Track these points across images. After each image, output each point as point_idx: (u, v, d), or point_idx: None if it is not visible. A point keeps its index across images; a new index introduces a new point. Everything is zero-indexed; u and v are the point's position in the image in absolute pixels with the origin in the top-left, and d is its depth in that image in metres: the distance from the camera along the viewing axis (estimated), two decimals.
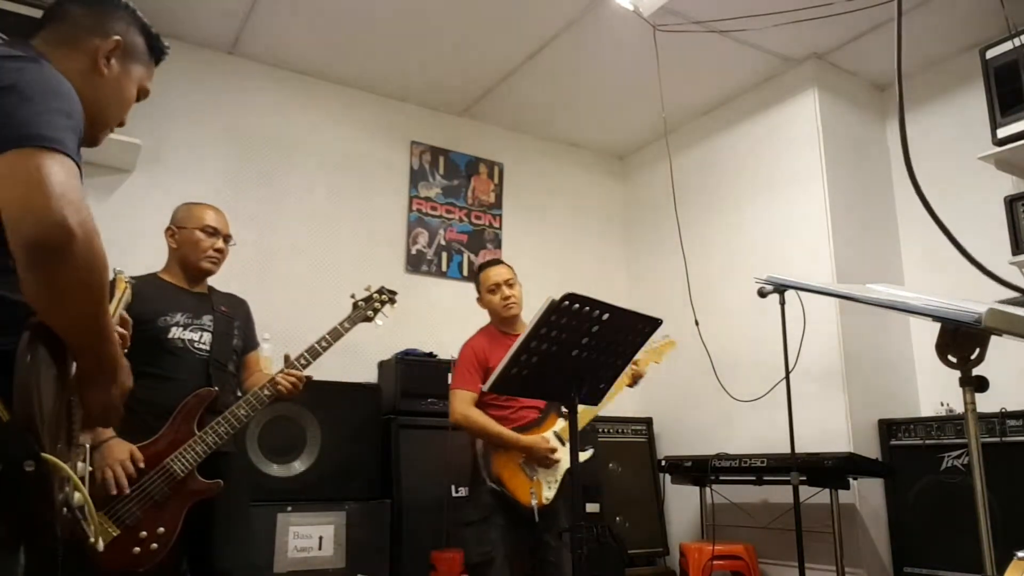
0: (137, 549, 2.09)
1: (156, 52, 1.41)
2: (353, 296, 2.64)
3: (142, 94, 1.39)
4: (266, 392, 2.32)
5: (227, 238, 2.52)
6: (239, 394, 2.42)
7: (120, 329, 1.43)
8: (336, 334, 2.48)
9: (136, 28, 1.36)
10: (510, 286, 2.98)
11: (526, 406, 2.83)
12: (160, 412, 2.23)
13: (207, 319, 2.42)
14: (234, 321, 2.51)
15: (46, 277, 0.99)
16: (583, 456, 2.86)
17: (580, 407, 2.97)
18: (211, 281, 2.58)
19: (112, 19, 1.31)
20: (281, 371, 2.37)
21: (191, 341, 2.36)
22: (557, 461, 2.76)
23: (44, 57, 1.18)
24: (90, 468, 1.21)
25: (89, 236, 0.99)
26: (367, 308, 2.61)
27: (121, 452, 2.11)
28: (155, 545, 2.11)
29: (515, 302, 2.97)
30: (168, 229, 2.49)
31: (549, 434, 2.83)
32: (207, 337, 2.40)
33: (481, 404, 2.82)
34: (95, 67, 1.26)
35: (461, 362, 2.90)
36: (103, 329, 1.10)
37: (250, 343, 2.61)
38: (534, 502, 2.64)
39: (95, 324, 1.08)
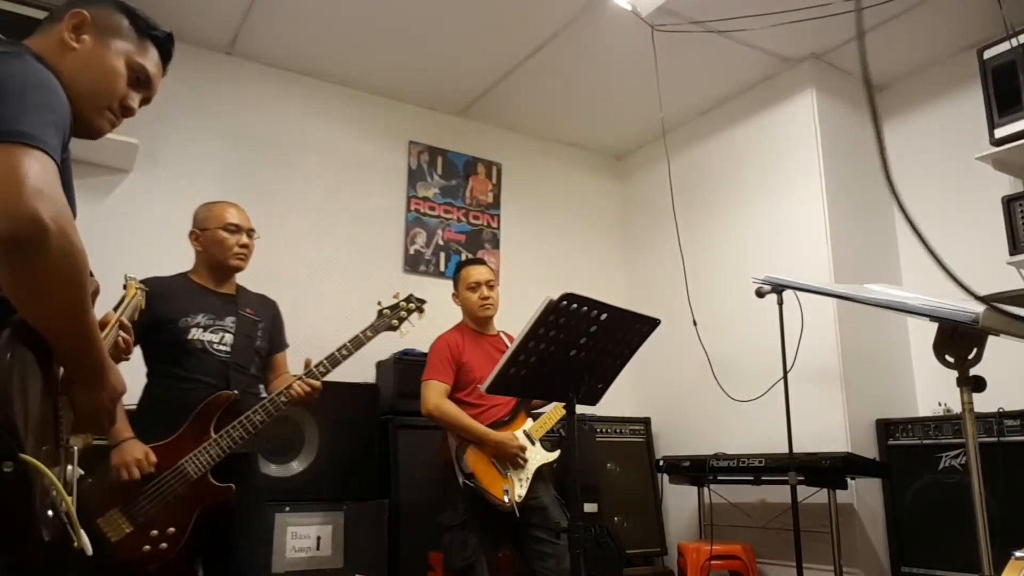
0: (147, 547, 2.11)
1: (142, 28, 1.37)
2: (379, 303, 2.59)
3: (137, 69, 1.34)
4: (282, 399, 2.32)
5: (251, 232, 2.51)
6: (262, 396, 2.42)
7: (122, 333, 1.43)
8: (358, 342, 2.44)
9: (113, 7, 1.33)
10: (490, 287, 3.02)
11: (496, 404, 2.85)
12: (180, 412, 2.24)
13: (230, 321, 2.42)
14: (259, 323, 2.50)
15: (20, 271, 0.98)
16: (550, 457, 2.89)
17: (545, 409, 3.01)
18: (242, 281, 2.57)
19: (82, 4, 1.29)
20: (299, 378, 2.36)
21: (211, 342, 2.36)
22: (524, 462, 2.78)
23: (31, 52, 1.18)
24: (80, 471, 1.18)
25: (64, 229, 0.98)
26: (392, 316, 2.56)
27: (136, 452, 2.13)
28: (165, 544, 2.13)
29: (492, 304, 3.02)
30: (192, 233, 2.48)
31: (519, 433, 2.85)
32: (228, 338, 2.39)
33: (451, 399, 2.84)
34: (64, 43, 1.25)
35: (434, 354, 2.93)
36: (85, 327, 1.08)
37: (277, 345, 2.59)
38: (507, 499, 2.66)
39: (75, 320, 1.06)
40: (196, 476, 2.18)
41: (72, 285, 1.02)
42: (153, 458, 2.15)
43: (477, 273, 3.03)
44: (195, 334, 2.34)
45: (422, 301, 2.64)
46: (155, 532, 2.12)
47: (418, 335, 3.64)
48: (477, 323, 3.05)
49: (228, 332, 2.40)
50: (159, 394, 2.33)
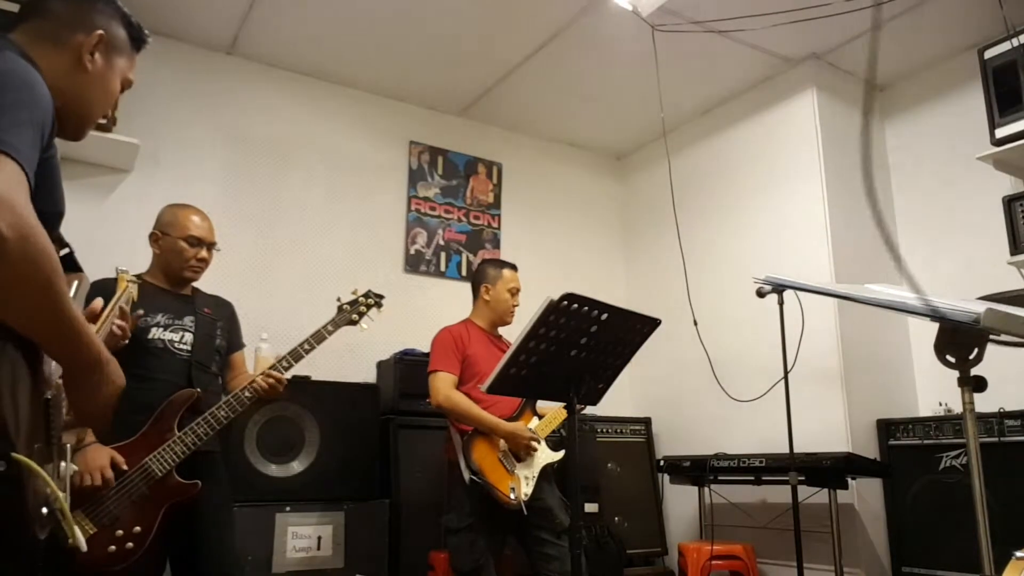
0: (113, 548, 2.09)
1: (138, 42, 1.38)
2: (339, 299, 2.62)
3: (125, 85, 1.37)
4: (246, 394, 2.32)
5: (211, 246, 2.49)
6: (223, 394, 2.42)
7: (118, 321, 1.45)
8: (319, 337, 2.47)
9: (118, 20, 1.33)
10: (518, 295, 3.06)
11: (501, 400, 2.85)
12: (142, 411, 2.22)
13: (188, 320, 2.42)
14: (217, 322, 2.51)
15: None
16: (555, 456, 2.89)
17: (549, 411, 3.02)
18: (199, 283, 2.56)
19: (94, 12, 1.28)
20: (262, 372, 2.38)
21: (171, 342, 2.36)
22: (535, 451, 2.79)
23: (16, 47, 1.15)
24: (74, 467, 1.17)
25: (24, 235, 0.95)
26: (352, 311, 2.59)
27: (102, 458, 2.09)
28: (131, 544, 2.11)
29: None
30: (152, 234, 2.47)
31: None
32: (188, 338, 2.40)
33: None
34: (79, 63, 1.23)
35: (440, 345, 2.92)
36: (66, 326, 1.05)
37: (234, 344, 2.61)
38: (512, 496, 2.66)
39: (53, 322, 1.04)
40: (161, 474, 2.17)
41: (44, 288, 0.99)
42: (120, 459, 2.12)
43: (516, 281, 3.08)
44: (155, 333, 2.34)
45: (380, 296, 2.67)
46: (120, 532, 2.10)
47: (419, 335, 3.67)
48: (492, 324, 3.06)
49: (188, 331, 2.41)
50: (121, 394, 2.31)
